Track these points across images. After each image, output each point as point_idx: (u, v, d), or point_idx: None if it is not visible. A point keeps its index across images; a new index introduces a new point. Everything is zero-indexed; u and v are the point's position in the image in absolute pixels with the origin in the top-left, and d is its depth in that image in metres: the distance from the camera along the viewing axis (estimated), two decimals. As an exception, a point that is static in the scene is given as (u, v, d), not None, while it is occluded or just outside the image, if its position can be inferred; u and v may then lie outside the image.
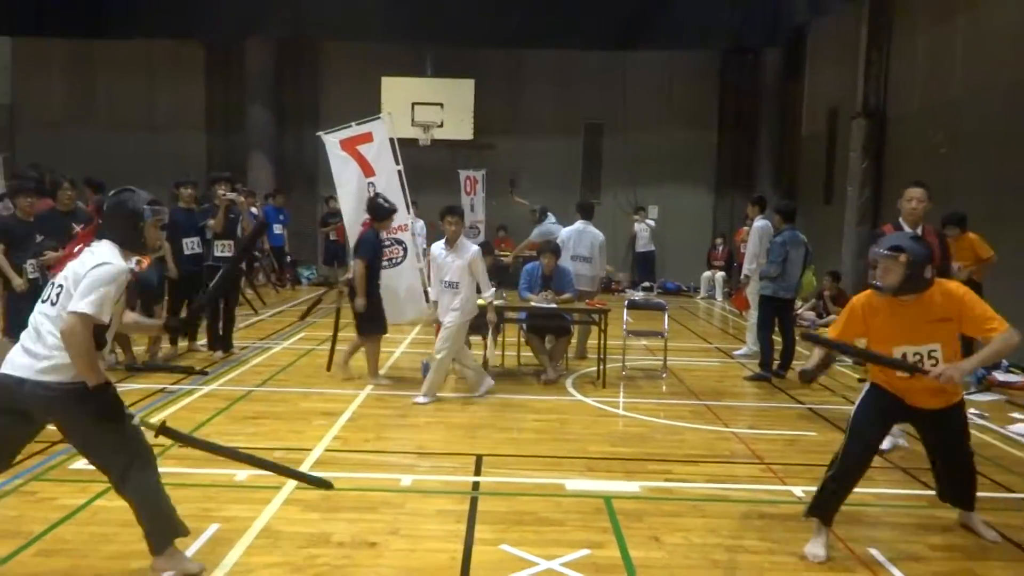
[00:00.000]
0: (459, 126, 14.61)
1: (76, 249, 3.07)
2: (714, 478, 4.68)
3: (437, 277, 6.36)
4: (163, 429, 3.18)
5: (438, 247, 6.38)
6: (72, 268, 2.95)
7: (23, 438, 3.07)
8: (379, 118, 7.45)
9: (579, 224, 8.25)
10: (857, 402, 3.74)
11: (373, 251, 6.73)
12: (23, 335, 2.97)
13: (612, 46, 14.64)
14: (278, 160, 15.74)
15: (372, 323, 6.84)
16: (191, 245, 7.68)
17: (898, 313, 3.52)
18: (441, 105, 14.58)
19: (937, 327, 3.49)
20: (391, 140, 7.34)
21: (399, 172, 7.37)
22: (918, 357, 3.51)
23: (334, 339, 7.25)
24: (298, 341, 8.86)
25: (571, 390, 6.83)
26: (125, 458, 3.04)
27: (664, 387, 7.17)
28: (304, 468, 4.59)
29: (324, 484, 3.57)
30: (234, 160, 15.96)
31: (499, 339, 7.45)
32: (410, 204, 7.59)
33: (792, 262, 7.19)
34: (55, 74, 16.00)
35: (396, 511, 4.04)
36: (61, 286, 2.93)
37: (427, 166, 15.37)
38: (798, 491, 4.47)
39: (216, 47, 15.91)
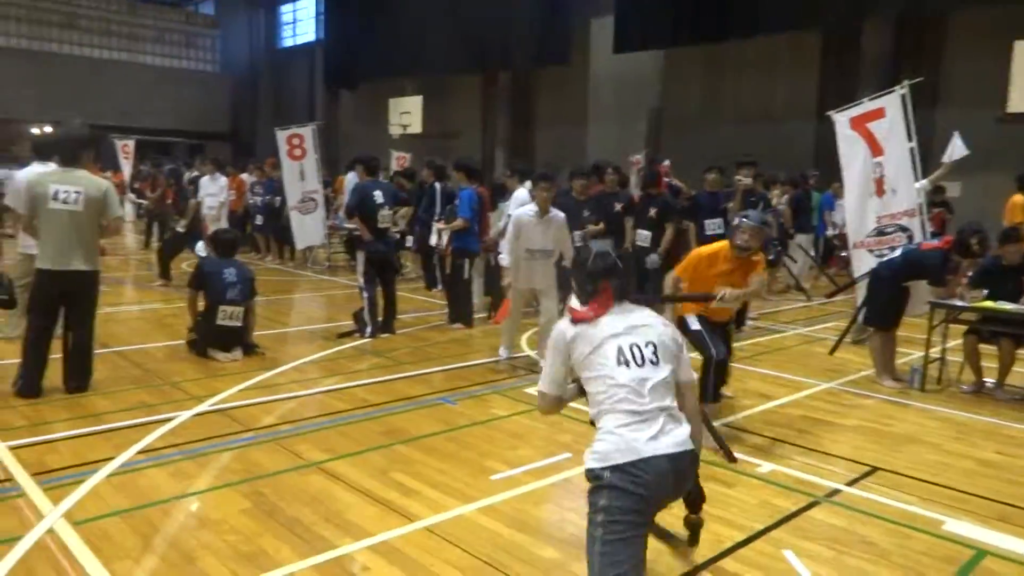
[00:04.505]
0: (1124, 92, 11.37)
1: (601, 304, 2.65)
2: None
3: (523, 246, 6.15)
4: None
5: (527, 214, 6.13)
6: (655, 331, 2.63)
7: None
8: (894, 91, 6.69)
9: None
10: (692, 328, 4.91)
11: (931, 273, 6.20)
12: (642, 387, 2.50)
13: None
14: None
15: (876, 316, 6.37)
16: (713, 226, 8.25)
17: (732, 265, 4.86)
18: (1099, 67, 11.59)
19: (746, 276, 4.89)
20: (906, 115, 6.53)
21: (911, 150, 6.51)
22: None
23: (849, 325, 7.15)
24: (820, 330, 8.59)
25: (1108, 434, 5.12)
26: None
27: None
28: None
29: (730, 457, 4.37)
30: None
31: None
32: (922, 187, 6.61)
33: None
34: (693, 78, 18.24)
35: (721, 487, 4.00)
36: (653, 345, 2.58)
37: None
38: None
39: (833, 34, 15.82)
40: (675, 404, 2.56)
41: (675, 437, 2.48)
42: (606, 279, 2.63)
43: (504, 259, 6.36)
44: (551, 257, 6.29)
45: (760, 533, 3.50)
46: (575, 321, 2.63)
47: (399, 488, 3.88)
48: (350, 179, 13.08)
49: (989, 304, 5.88)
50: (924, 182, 6.80)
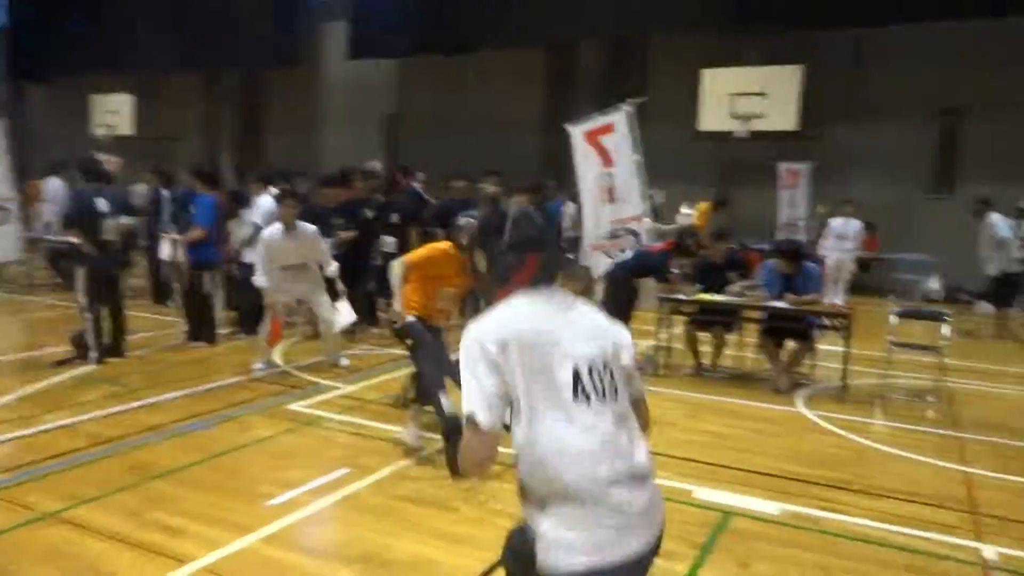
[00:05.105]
0: (782, 116, 13.63)
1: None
2: (884, 516, 3.87)
3: (277, 264, 6.18)
4: None
5: (275, 234, 6.21)
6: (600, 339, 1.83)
7: None
8: (621, 108, 7.41)
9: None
10: (410, 327, 4.54)
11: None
12: (610, 446, 1.73)
13: (977, 14, 12.37)
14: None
15: (613, 312, 6.94)
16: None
17: (456, 263, 4.61)
18: (764, 95, 13.81)
19: (466, 279, 4.67)
20: (632, 130, 7.27)
21: (638, 162, 7.26)
22: (449, 296, 4.84)
23: None
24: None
25: (799, 402, 6.09)
26: None
27: (925, 412, 5.99)
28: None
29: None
30: (564, 157, 16.96)
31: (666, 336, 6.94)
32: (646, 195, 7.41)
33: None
34: (426, 86, 18.56)
35: (501, 486, 4.11)
36: (610, 366, 1.81)
37: (745, 160, 14.72)
38: (990, 551, 3.51)
39: (555, 52, 17.07)
40: (641, 445, 1.84)
41: (660, 510, 1.84)
42: (533, 251, 1.86)
43: (260, 280, 6.20)
44: (308, 270, 6.34)
45: (544, 524, 3.66)
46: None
47: (163, 529, 3.46)
48: (54, 186, 11.49)
49: (704, 296, 6.72)
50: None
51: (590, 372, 1.74)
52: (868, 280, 13.17)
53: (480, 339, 1.73)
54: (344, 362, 6.65)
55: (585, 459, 1.69)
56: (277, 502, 3.80)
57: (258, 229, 7.62)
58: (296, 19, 18.24)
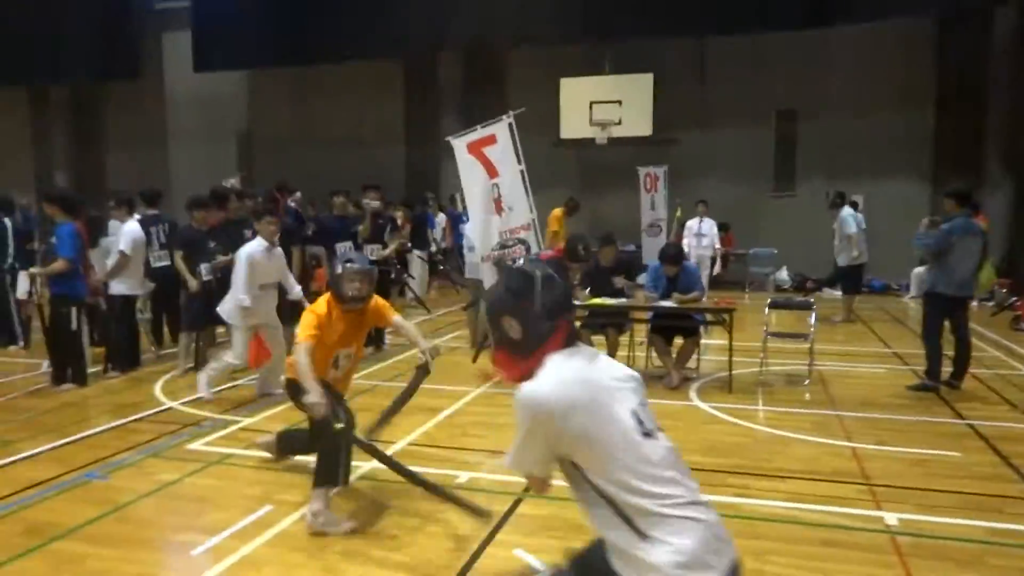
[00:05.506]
0: (638, 122, 14.29)
1: None
2: (794, 496, 4.19)
3: (257, 281, 6.10)
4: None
5: (259, 250, 6.15)
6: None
7: None
8: (502, 119, 7.55)
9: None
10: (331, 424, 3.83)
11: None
12: (676, 470, 1.86)
13: (806, 24, 13.53)
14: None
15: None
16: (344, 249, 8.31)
17: (345, 320, 3.99)
18: (619, 103, 14.42)
19: (362, 332, 4.26)
20: (514, 141, 7.42)
21: (522, 172, 7.41)
22: (348, 357, 4.15)
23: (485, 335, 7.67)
24: (451, 340, 9.20)
25: (692, 395, 6.44)
26: None
27: (804, 395, 6.51)
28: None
29: (482, 513, 3.51)
30: (429, 169, 17.00)
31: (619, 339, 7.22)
32: (532, 204, 7.58)
33: (959, 255, 6.21)
34: (280, 100, 18.00)
35: (434, 506, 4.08)
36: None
37: (606, 165, 15.35)
38: (892, 518, 3.88)
39: (412, 64, 17.01)
40: None
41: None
42: (564, 315, 1.95)
43: (245, 300, 6.06)
44: (274, 290, 6.42)
45: (488, 539, 3.67)
46: (517, 379, 1.93)
47: (82, 594, 3.19)
48: None
49: (595, 301, 6.95)
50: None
51: (642, 408, 1.89)
52: (726, 275, 14.10)
53: (538, 405, 1.83)
54: (279, 391, 6.27)
55: (669, 485, 1.81)
56: (203, 550, 3.58)
57: (124, 257, 7.20)
58: (131, 29, 17.14)
